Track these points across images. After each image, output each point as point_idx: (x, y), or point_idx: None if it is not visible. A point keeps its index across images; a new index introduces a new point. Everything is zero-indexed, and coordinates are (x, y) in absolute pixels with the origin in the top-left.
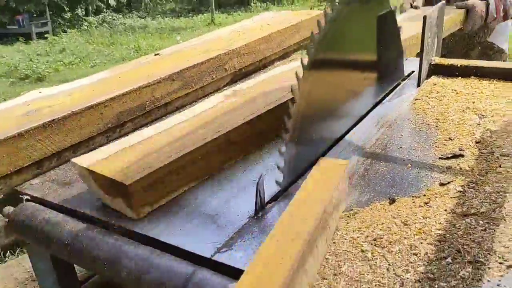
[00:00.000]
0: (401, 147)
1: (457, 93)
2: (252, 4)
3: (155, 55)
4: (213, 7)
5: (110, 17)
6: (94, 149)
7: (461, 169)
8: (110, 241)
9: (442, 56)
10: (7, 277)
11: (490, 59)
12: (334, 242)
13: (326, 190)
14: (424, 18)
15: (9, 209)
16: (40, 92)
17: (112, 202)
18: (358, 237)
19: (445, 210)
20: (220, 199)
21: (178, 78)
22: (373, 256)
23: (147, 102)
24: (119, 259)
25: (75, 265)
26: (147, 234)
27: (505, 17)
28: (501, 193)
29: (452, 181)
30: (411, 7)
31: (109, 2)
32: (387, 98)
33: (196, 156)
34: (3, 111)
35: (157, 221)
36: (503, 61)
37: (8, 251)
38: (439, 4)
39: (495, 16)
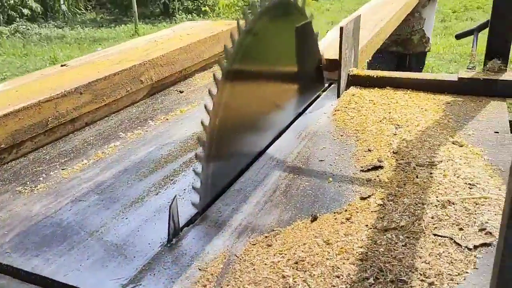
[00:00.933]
0: (322, 160)
1: (374, 104)
2: (177, 15)
3: (62, 66)
4: (137, 17)
5: (24, 26)
6: None
7: (380, 181)
8: None
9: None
10: None
11: (423, 46)
12: (254, 269)
13: None
14: (341, 29)
15: None
16: None
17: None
18: (279, 261)
19: (366, 225)
20: (129, 226)
21: (86, 91)
22: (295, 282)
23: (49, 118)
24: None
25: None
26: (40, 273)
27: None
28: (419, 204)
29: (372, 195)
30: None
31: (23, 11)
32: (308, 110)
33: None
34: None
35: (52, 257)
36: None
37: None
38: (355, 16)
39: None
